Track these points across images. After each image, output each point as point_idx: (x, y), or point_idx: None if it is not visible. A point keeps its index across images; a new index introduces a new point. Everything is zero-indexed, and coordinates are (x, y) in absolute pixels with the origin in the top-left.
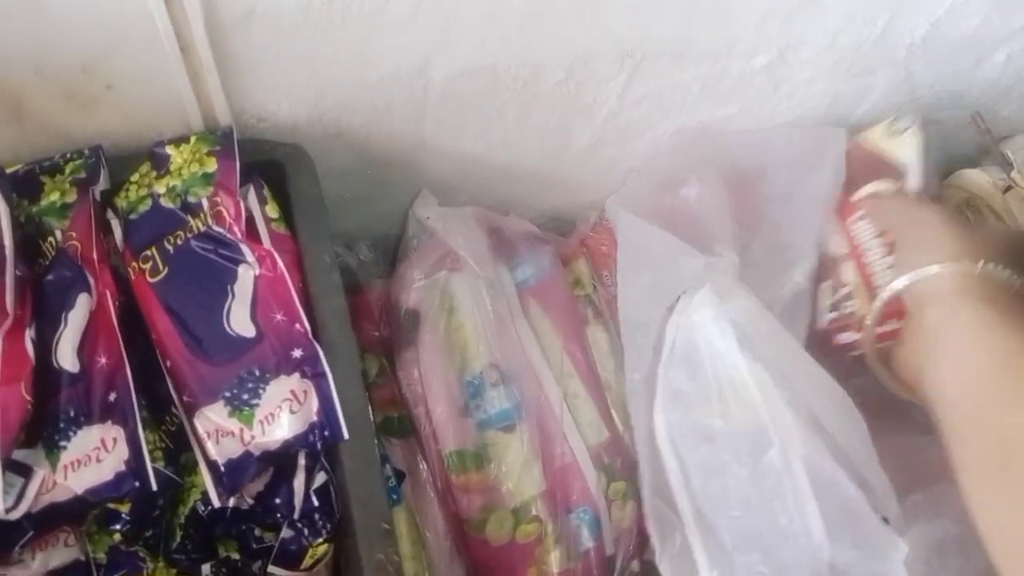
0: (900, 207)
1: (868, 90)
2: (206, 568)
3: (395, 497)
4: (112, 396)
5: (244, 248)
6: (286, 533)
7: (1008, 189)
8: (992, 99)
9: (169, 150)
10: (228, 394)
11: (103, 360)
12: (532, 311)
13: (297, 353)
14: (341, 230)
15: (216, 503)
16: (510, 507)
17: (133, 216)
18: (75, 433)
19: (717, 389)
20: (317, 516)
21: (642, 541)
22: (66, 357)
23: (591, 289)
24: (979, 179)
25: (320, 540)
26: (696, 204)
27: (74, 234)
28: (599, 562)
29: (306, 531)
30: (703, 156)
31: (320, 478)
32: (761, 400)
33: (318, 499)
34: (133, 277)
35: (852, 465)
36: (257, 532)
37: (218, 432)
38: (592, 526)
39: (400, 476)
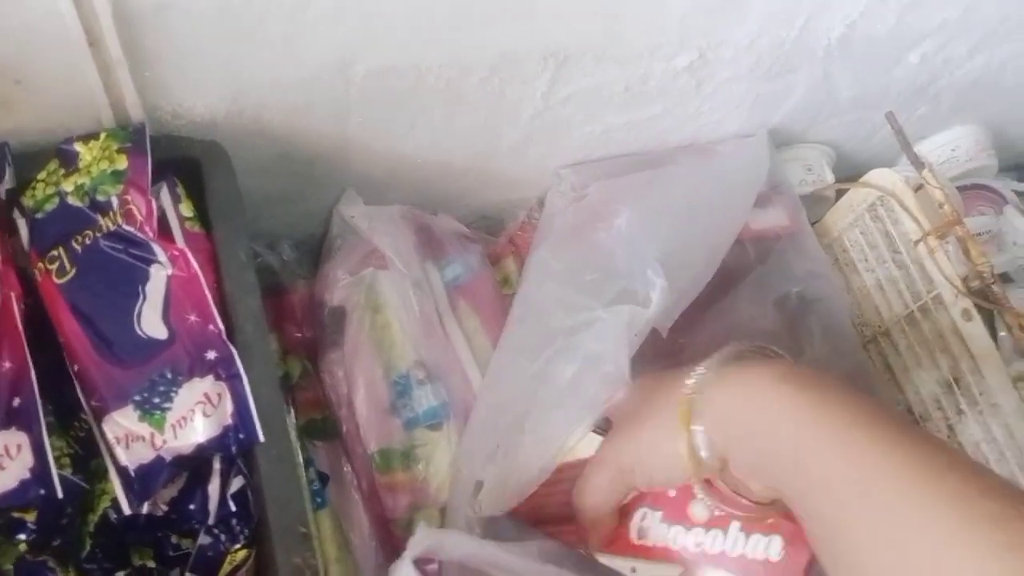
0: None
1: (789, 90)
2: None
3: (319, 501)
4: (16, 401)
5: (156, 247)
6: (203, 539)
7: (919, 188)
8: (908, 99)
9: (78, 147)
10: (138, 398)
11: (7, 364)
12: (461, 310)
13: (211, 355)
14: (264, 230)
15: (127, 510)
16: (437, 505)
17: (40, 215)
18: None
19: None
20: (234, 521)
21: None
22: None
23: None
24: (891, 178)
25: (238, 546)
26: (626, 232)
27: None
28: None
29: (223, 537)
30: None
31: (237, 482)
32: None
33: (235, 504)
34: (39, 278)
35: None
36: (173, 539)
37: (128, 437)
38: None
39: (324, 479)
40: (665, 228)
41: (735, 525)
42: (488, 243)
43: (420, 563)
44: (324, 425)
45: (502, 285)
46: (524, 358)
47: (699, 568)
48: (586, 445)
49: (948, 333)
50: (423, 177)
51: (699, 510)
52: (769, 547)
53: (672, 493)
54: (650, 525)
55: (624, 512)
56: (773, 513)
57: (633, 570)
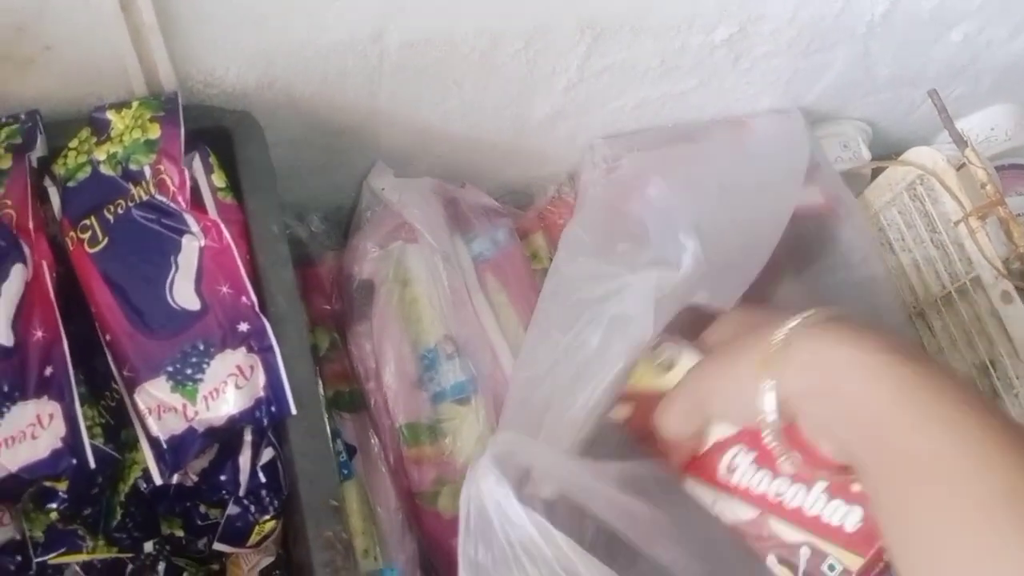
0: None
1: (827, 66)
2: (148, 546)
3: (346, 472)
4: (48, 371)
5: (188, 218)
6: (232, 510)
7: (962, 167)
8: (948, 78)
9: (110, 115)
10: (171, 369)
11: (39, 333)
12: (489, 284)
13: (243, 327)
14: (292, 201)
15: (158, 480)
16: (464, 480)
17: (71, 184)
18: (9, 409)
19: (512, 555)
20: (264, 493)
21: None
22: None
23: (548, 263)
24: (932, 156)
25: (267, 517)
26: (659, 202)
27: (9, 202)
28: None
29: (253, 508)
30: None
31: (268, 454)
32: (554, 558)
33: (265, 475)
34: (71, 247)
35: None
36: (202, 509)
37: (160, 408)
38: None
39: (351, 451)
40: (699, 200)
41: (820, 485)
42: (517, 218)
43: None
44: (351, 397)
45: (531, 260)
46: (556, 331)
47: (772, 518)
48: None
49: (986, 315)
50: (452, 150)
51: (788, 462)
52: (847, 516)
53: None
54: (740, 464)
55: (720, 447)
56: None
57: (714, 503)
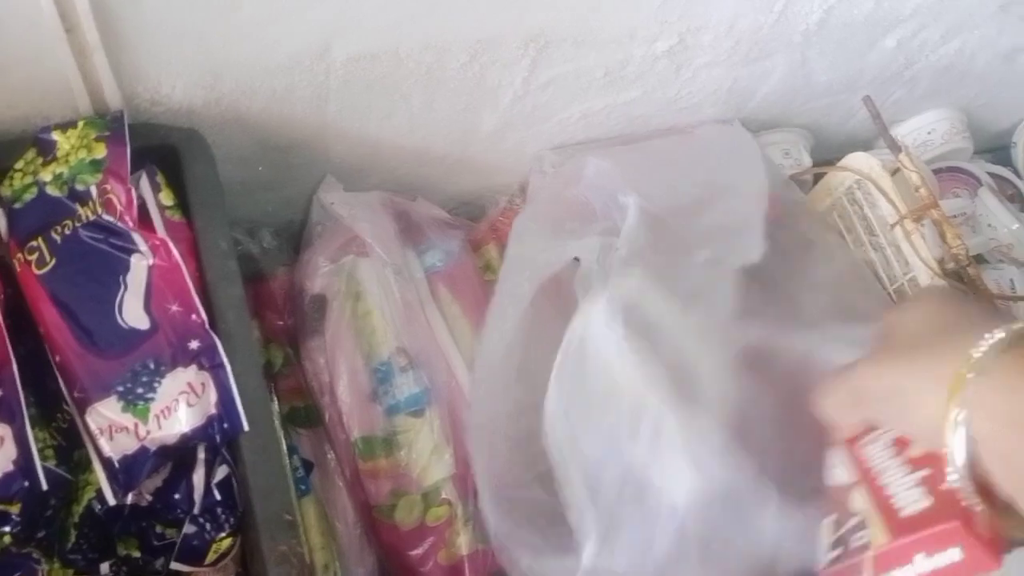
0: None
1: (766, 74)
2: (105, 567)
3: (303, 488)
4: None
5: (136, 237)
6: (188, 528)
7: (896, 172)
8: (884, 83)
9: (55, 136)
10: (121, 388)
11: None
12: (441, 296)
13: (194, 344)
14: (243, 217)
15: (112, 501)
16: (419, 491)
17: (18, 205)
18: None
19: (604, 391)
20: (219, 510)
21: None
22: None
23: None
24: (868, 162)
25: (223, 534)
26: (597, 178)
27: None
28: None
29: (208, 526)
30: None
31: (222, 471)
32: (644, 387)
33: (220, 493)
34: (19, 269)
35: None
36: (158, 528)
37: (111, 428)
38: None
39: (308, 466)
40: (639, 170)
41: (920, 474)
42: (469, 229)
43: None
44: (307, 413)
45: (483, 271)
46: (509, 306)
47: (862, 501)
48: None
49: None
50: (402, 163)
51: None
52: (913, 503)
53: None
54: (875, 439)
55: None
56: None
57: (834, 466)
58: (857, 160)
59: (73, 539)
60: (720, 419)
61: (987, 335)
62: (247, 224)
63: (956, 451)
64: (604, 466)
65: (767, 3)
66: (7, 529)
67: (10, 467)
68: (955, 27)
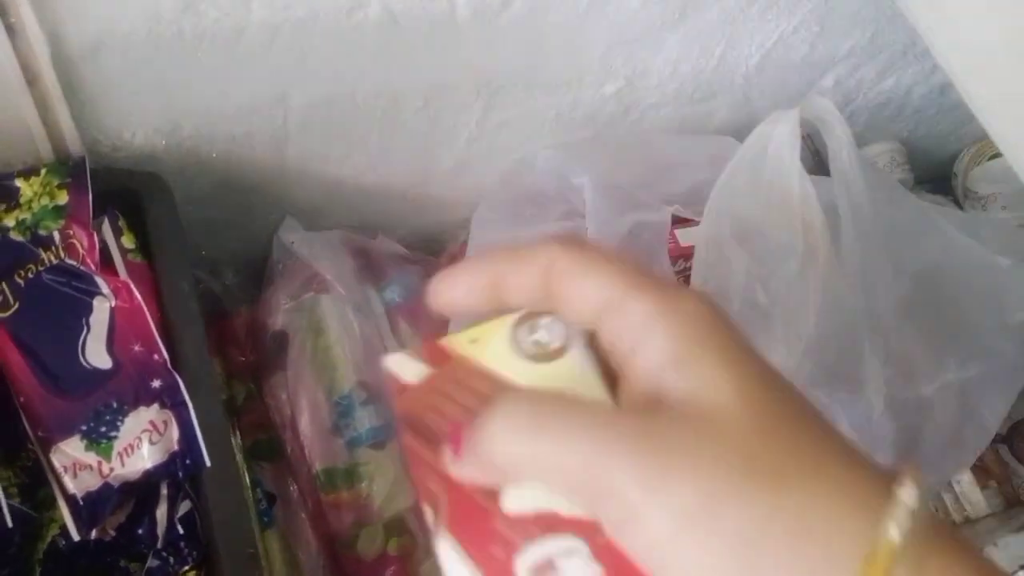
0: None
1: (712, 113)
2: None
3: (267, 520)
4: None
5: (99, 280)
6: (152, 563)
7: None
8: None
9: (18, 183)
10: (84, 428)
11: None
12: (402, 330)
13: (156, 383)
14: (206, 256)
15: (76, 537)
16: (381, 521)
17: None
18: None
19: (768, 201)
20: (183, 544)
21: None
22: None
23: None
24: None
25: (187, 568)
26: (547, 163)
27: None
28: None
29: (172, 559)
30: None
31: (184, 506)
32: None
33: (183, 527)
34: None
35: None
36: (122, 563)
37: (75, 466)
38: None
39: (271, 499)
40: (592, 157)
41: None
42: (429, 264)
43: None
44: (270, 446)
45: None
46: None
47: None
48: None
49: None
50: (362, 201)
51: None
52: None
53: None
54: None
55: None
56: None
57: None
58: None
59: (37, 575)
60: None
61: (892, 507)
62: (210, 262)
63: None
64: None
65: (707, 48)
66: None
67: None
68: (890, 64)
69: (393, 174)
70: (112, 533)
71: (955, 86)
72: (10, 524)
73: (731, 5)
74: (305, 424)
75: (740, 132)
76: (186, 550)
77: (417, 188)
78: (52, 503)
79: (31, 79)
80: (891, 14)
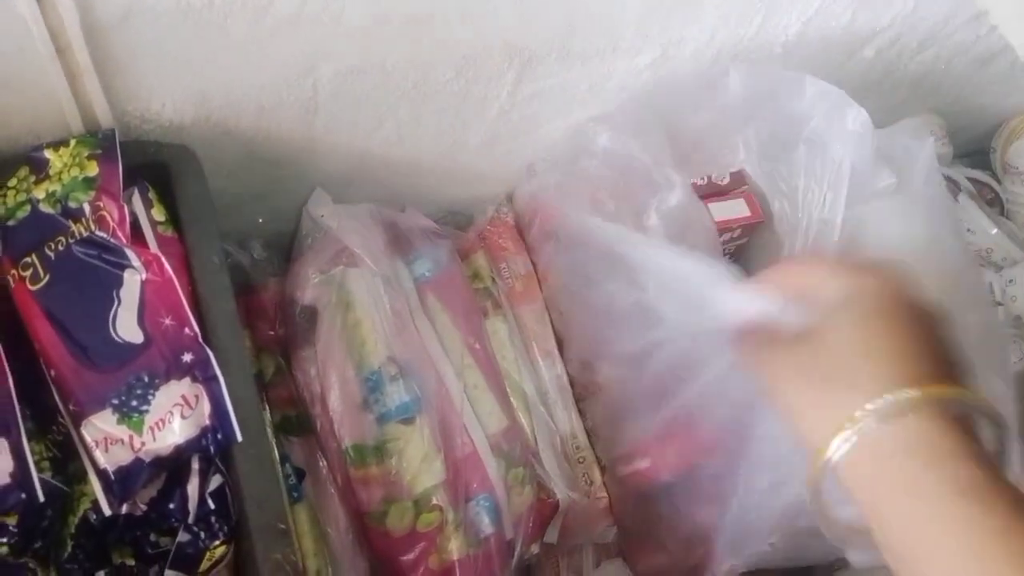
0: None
1: None
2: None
3: (296, 495)
4: None
5: (129, 253)
6: (182, 537)
7: None
8: (862, 93)
9: (48, 154)
10: (116, 401)
11: None
12: (431, 305)
13: (187, 357)
14: (234, 229)
15: (107, 511)
16: (410, 498)
17: (11, 223)
18: None
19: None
20: (213, 519)
21: (540, 524)
22: None
23: (490, 282)
24: None
25: (217, 542)
26: (619, 148)
27: None
28: (499, 547)
29: (203, 534)
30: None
31: (215, 481)
32: None
33: (214, 502)
34: (13, 285)
35: None
36: (152, 537)
37: (107, 440)
38: (492, 512)
39: (300, 474)
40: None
41: None
42: (457, 238)
43: None
44: (299, 421)
45: (472, 279)
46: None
47: None
48: None
49: None
50: (391, 174)
51: None
52: None
53: None
54: None
55: None
56: None
57: None
58: None
59: (69, 549)
60: None
61: (887, 396)
62: (238, 235)
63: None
64: None
65: (746, 16)
66: (4, 540)
67: (7, 479)
68: (931, 35)
69: (422, 146)
70: (143, 507)
71: (1015, 50)
72: (42, 498)
73: None
74: (334, 400)
75: None
76: (217, 525)
77: (446, 161)
78: (83, 477)
79: (60, 49)
80: None
